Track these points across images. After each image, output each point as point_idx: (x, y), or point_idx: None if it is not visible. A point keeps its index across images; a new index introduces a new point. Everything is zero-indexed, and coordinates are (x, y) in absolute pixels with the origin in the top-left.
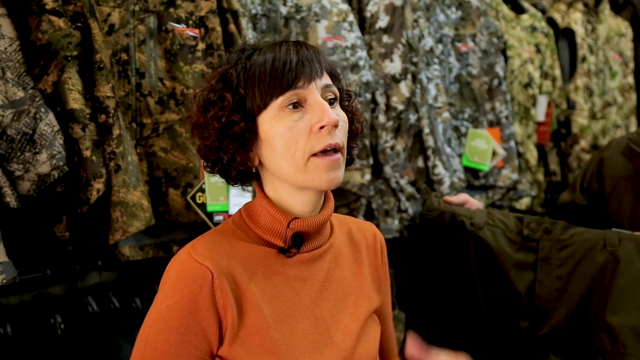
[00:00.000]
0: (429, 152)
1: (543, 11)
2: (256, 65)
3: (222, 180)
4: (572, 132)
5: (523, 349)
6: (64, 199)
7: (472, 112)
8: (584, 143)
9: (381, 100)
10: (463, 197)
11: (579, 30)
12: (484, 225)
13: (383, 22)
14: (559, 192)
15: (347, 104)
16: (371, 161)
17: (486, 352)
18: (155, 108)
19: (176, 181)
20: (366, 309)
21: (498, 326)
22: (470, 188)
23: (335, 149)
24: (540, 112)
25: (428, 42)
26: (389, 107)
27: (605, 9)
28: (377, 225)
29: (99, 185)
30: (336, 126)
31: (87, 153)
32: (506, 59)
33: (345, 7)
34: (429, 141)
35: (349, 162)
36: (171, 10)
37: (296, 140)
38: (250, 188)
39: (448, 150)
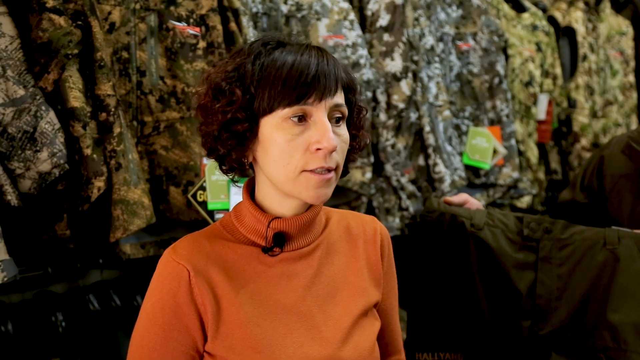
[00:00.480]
0: (430, 151)
1: (544, 10)
2: (273, 68)
3: (223, 178)
4: (572, 131)
5: (525, 349)
6: (65, 197)
7: (472, 110)
8: (584, 141)
9: (382, 98)
10: (463, 197)
11: (580, 28)
12: (484, 225)
13: (384, 20)
14: (560, 191)
15: (355, 119)
16: (372, 159)
17: (489, 353)
18: (156, 106)
19: (177, 179)
20: (361, 304)
21: (500, 326)
22: (471, 186)
23: (328, 170)
24: (541, 111)
25: (429, 40)
26: (389, 106)
27: (606, 7)
28: None
29: (99, 183)
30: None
31: (88, 151)
32: (507, 57)
33: (346, 5)
34: (430, 139)
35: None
36: (172, 8)
37: (291, 154)
38: (240, 184)
39: (449, 148)
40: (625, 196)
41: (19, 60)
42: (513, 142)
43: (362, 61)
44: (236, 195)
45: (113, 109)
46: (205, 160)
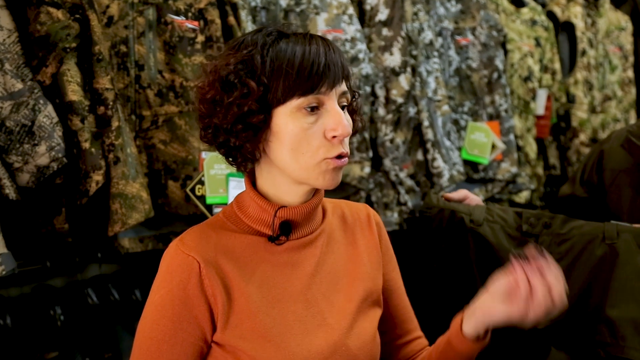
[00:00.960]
0: (429, 145)
1: (543, 4)
2: (283, 58)
3: (222, 172)
4: (571, 126)
5: (524, 344)
6: (63, 191)
7: (471, 105)
8: (583, 137)
9: (381, 93)
10: (463, 193)
11: (579, 23)
12: (483, 221)
13: (383, 14)
14: (559, 186)
15: (353, 104)
16: (370, 154)
17: (487, 348)
18: (154, 100)
19: (175, 173)
20: (362, 290)
21: None
22: (470, 181)
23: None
24: (539, 106)
25: (428, 35)
26: (388, 100)
27: (605, 2)
28: None
29: (98, 177)
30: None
31: (86, 145)
32: (506, 52)
33: None
34: (429, 134)
35: None
36: (170, 2)
37: (309, 142)
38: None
39: (447, 143)
40: (625, 190)
41: (17, 53)
42: (512, 137)
43: (360, 56)
44: (234, 189)
45: (111, 103)
46: (203, 155)
